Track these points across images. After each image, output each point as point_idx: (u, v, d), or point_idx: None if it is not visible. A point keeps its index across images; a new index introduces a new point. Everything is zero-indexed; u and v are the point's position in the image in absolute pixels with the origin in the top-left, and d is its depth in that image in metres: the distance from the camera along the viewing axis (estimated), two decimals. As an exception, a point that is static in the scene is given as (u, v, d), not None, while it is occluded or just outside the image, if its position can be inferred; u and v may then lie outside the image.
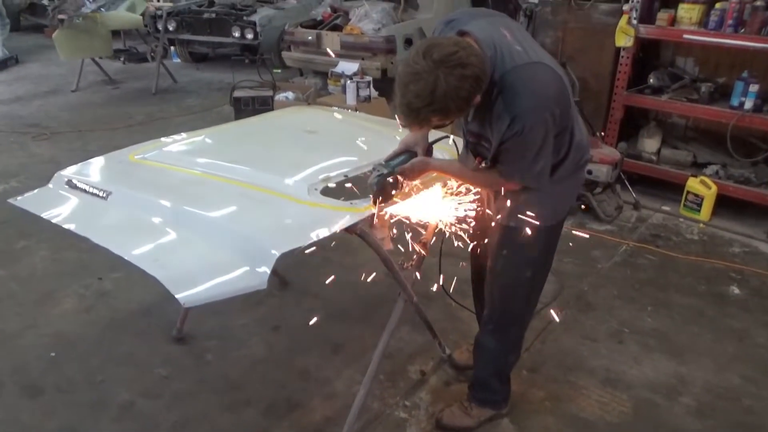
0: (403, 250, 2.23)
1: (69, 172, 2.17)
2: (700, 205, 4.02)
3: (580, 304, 3.14)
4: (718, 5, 3.80)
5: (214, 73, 8.41)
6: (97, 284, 3.25)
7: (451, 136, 2.18)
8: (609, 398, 2.51)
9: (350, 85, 5.18)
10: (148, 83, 7.56)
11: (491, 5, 6.09)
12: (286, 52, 6.93)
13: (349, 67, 5.82)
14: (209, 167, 2.16)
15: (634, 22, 4.05)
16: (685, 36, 3.93)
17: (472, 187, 2.06)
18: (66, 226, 1.90)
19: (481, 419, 2.35)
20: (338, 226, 1.81)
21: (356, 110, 4.27)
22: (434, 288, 2.40)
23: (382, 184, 1.83)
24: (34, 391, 2.51)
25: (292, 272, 3.24)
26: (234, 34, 7.71)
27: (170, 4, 8.49)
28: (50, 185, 2.15)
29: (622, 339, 2.88)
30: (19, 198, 2.10)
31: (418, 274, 2.29)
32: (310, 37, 6.54)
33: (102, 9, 7.35)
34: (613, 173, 4.00)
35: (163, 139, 2.52)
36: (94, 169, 2.24)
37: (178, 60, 9.01)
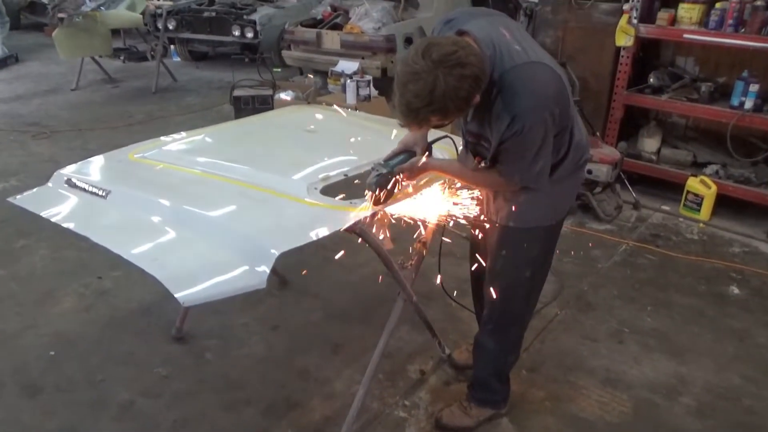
0: (403, 249, 2.23)
1: (68, 171, 2.17)
2: (700, 204, 4.02)
3: (580, 304, 3.14)
4: (718, 5, 3.80)
5: (214, 71, 8.40)
6: (96, 283, 3.25)
7: (451, 136, 2.17)
8: (609, 398, 2.51)
9: (350, 84, 5.18)
10: (147, 82, 7.55)
11: (491, 5, 6.09)
12: (286, 51, 6.92)
13: (349, 66, 5.82)
14: (209, 166, 2.16)
15: (635, 21, 4.05)
16: (686, 35, 3.92)
17: (471, 187, 2.06)
18: (65, 225, 1.89)
19: (481, 419, 2.35)
20: (338, 226, 1.81)
21: (356, 109, 4.26)
22: (437, 283, 2.40)
23: (381, 184, 1.83)
24: (34, 390, 2.51)
25: (292, 272, 3.24)
26: (234, 32, 7.70)
27: (170, 3, 8.48)
28: (50, 184, 2.15)
29: (622, 339, 2.88)
30: (18, 197, 2.10)
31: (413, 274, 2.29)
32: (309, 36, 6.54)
33: (102, 7, 7.36)
34: (613, 173, 4.00)
35: (162, 138, 2.51)
36: (94, 168, 2.24)
37: (178, 59, 9.01)
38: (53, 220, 1.94)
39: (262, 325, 2.94)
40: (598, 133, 4.24)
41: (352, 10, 6.66)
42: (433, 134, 2.00)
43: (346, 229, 1.86)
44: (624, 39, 4.12)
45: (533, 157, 1.74)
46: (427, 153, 1.96)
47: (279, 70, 7.22)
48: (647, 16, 4.07)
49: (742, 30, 3.73)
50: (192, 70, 8.55)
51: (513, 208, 1.94)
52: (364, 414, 2.34)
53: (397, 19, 6.43)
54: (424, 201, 2.11)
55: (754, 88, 3.74)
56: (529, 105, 1.65)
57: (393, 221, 2.11)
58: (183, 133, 2.57)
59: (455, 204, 2.14)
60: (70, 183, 2.09)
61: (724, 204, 4.02)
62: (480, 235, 2.15)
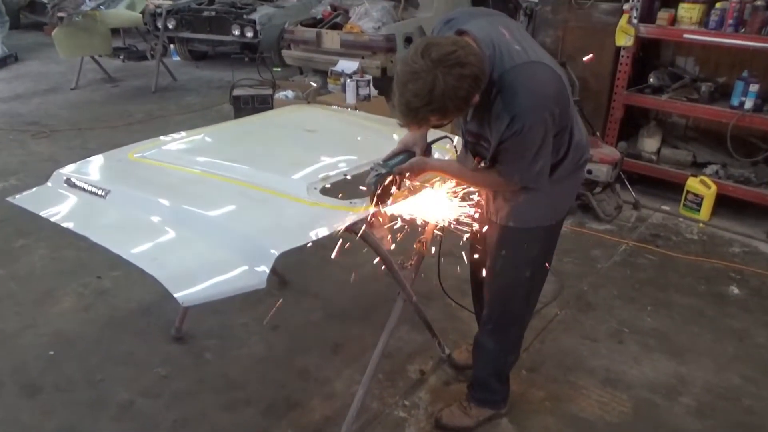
0: (402, 249, 2.23)
1: (68, 170, 2.16)
2: (699, 204, 4.01)
3: (580, 304, 3.14)
4: (718, 5, 3.80)
5: (214, 71, 8.40)
6: (96, 283, 3.25)
7: (450, 136, 2.17)
8: (609, 398, 2.51)
9: (350, 84, 5.18)
10: (147, 81, 7.55)
11: (491, 4, 6.09)
12: (286, 51, 6.92)
13: (348, 65, 5.82)
14: (208, 166, 2.15)
15: (635, 21, 4.05)
16: (686, 35, 3.92)
17: (471, 188, 2.06)
18: (65, 225, 1.89)
19: (480, 419, 2.35)
20: (338, 226, 1.81)
21: (356, 109, 4.26)
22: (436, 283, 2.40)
23: (380, 184, 1.83)
24: (34, 390, 2.51)
25: (292, 272, 3.24)
26: (234, 32, 7.70)
27: (170, 2, 8.47)
28: (49, 184, 2.15)
29: (621, 339, 2.88)
30: (17, 196, 2.09)
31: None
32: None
33: (101, 7, 7.35)
34: (612, 173, 4.00)
35: (162, 137, 2.51)
36: (93, 167, 2.24)
37: (178, 58, 9.00)
38: (52, 219, 1.93)
39: (262, 325, 2.93)
40: (598, 133, 4.24)
41: (352, 9, 6.66)
42: (432, 134, 2.00)
43: (346, 229, 1.86)
44: (624, 39, 4.12)
45: (533, 157, 1.74)
46: (426, 153, 1.95)
47: (279, 69, 7.22)
48: (647, 16, 4.07)
49: (742, 30, 3.73)
50: (192, 70, 8.55)
51: (513, 208, 1.94)
52: (364, 414, 2.34)
53: (397, 19, 6.43)
54: (424, 201, 2.10)
55: (754, 88, 3.74)
56: (529, 105, 1.65)
57: (395, 224, 2.10)
58: (183, 133, 2.57)
59: (456, 202, 2.13)
60: (69, 182, 2.09)
61: (724, 204, 4.02)
62: (480, 235, 2.15)
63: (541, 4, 4.58)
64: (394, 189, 1.88)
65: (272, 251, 1.64)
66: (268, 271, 1.62)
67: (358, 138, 2.55)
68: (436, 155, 2.04)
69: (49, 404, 2.44)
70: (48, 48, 8.59)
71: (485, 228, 2.10)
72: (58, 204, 2.01)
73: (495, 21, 1.79)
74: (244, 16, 7.71)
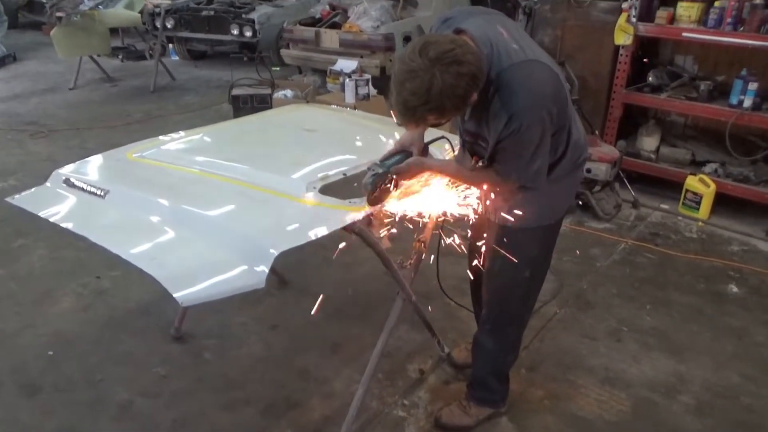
0: (402, 248, 2.23)
1: (66, 170, 2.16)
2: (698, 203, 4.02)
3: (579, 303, 3.14)
4: (717, 3, 3.80)
5: (213, 70, 8.39)
6: (95, 283, 3.25)
7: (448, 136, 2.17)
8: (608, 397, 2.51)
9: (349, 83, 5.18)
10: (146, 81, 7.54)
11: (489, 3, 6.08)
12: (285, 50, 6.92)
13: (347, 65, 5.81)
14: (207, 166, 2.15)
15: (633, 20, 4.05)
16: (684, 34, 3.92)
17: (470, 187, 2.06)
18: (64, 225, 1.89)
19: (480, 418, 2.35)
20: (337, 225, 1.81)
21: (355, 108, 4.25)
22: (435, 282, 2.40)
23: (377, 185, 1.83)
24: (33, 390, 2.51)
25: (291, 271, 3.24)
26: (233, 31, 7.69)
27: (169, 2, 8.46)
28: (48, 184, 2.15)
29: (620, 337, 2.88)
30: (16, 196, 2.09)
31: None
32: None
33: (100, 6, 7.34)
34: (612, 171, 4.00)
35: (161, 137, 2.51)
36: (92, 167, 2.23)
37: (177, 58, 8.99)
38: (51, 219, 1.93)
39: (261, 325, 2.94)
40: (597, 132, 4.24)
41: (350, 8, 6.65)
42: (430, 134, 2.00)
43: (345, 229, 1.86)
44: (623, 37, 4.12)
45: (531, 156, 1.74)
46: (423, 153, 1.95)
47: (278, 68, 7.22)
48: (646, 15, 4.07)
49: (741, 28, 3.73)
50: (190, 69, 8.54)
51: (511, 208, 1.93)
52: (364, 413, 2.34)
53: (395, 18, 6.43)
54: (423, 200, 2.10)
55: (752, 86, 3.74)
56: (527, 104, 1.65)
57: (394, 223, 2.10)
58: (181, 132, 2.56)
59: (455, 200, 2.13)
60: (68, 182, 2.09)
61: (723, 202, 4.02)
62: (479, 235, 2.15)
63: (539, 3, 4.58)
64: (391, 189, 1.88)
65: (271, 251, 1.64)
66: (267, 270, 1.62)
67: (357, 137, 2.55)
68: (434, 155, 2.03)
69: (49, 404, 2.44)
70: (46, 47, 8.58)
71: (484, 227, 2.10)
72: (56, 204, 2.01)
73: (493, 20, 1.79)
74: (243, 16, 7.71)
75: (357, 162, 2.15)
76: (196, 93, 7.33)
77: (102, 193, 1.99)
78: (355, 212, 1.87)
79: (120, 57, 8.89)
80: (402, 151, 1.92)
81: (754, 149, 4.09)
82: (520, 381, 2.55)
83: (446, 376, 2.62)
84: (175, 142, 2.46)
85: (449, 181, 2.04)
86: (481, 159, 1.92)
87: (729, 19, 3.73)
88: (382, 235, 2.08)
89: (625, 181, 4.25)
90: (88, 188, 2.03)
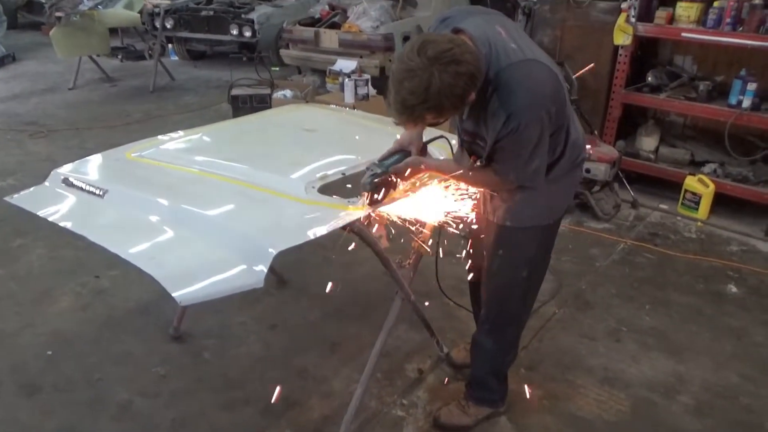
0: (401, 248, 2.23)
1: (65, 170, 2.16)
2: (698, 203, 4.02)
3: (578, 303, 3.14)
4: (716, 3, 3.80)
5: (212, 70, 8.39)
6: (94, 282, 3.24)
7: (447, 135, 2.17)
8: (607, 397, 2.51)
9: (348, 83, 5.18)
10: (145, 81, 7.54)
11: (489, 4, 6.08)
12: (284, 50, 6.92)
13: (347, 65, 5.81)
14: (206, 165, 2.15)
15: (633, 20, 4.05)
16: (684, 34, 3.92)
17: (468, 187, 2.06)
18: (62, 225, 1.89)
19: (479, 418, 2.35)
20: (335, 225, 1.81)
21: (354, 108, 4.26)
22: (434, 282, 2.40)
23: (376, 184, 1.83)
24: (32, 389, 2.51)
25: (291, 271, 3.24)
26: (232, 31, 7.69)
27: (168, 2, 8.46)
28: (46, 183, 2.15)
29: (620, 337, 2.88)
30: (15, 196, 2.09)
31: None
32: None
33: (99, 6, 7.34)
34: (611, 172, 4.00)
35: (160, 136, 2.51)
36: (91, 167, 2.23)
37: (176, 58, 8.99)
38: (50, 219, 1.93)
39: (261, 324, 2.93)
40: (596, 132, 4.25)
41: (350, 8, 6.66)
42: (428, 134, 2.00)
43: (344, 228, 1.86)
44: (622, 38, 4.12)
45: (529, 156, 1.74)
46: (422, 152, 1.95)
47: (277, 69, 7.22)
48: (645, 15, 4.07)
49: (740, 29, 3.73)
50: (190, 69, 8.54)
51: (509, 208, 1.93)
52: (362, 413, 2.34)
53: (395, 18, 6.43)
54: (421, 202, 2.10)
55: (751, 86, 3.74)
56: (525, 103, 1.65)
57: (391, 222, 2.10)
58: (180, 132, 2.57)
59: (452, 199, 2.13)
60: (67, 182, 2.09)
61: (722, 203, 4.02)
62: (478, 235, 2.15)
63: (539, 4, 4.58)
64: (390, 188, 1.88)
65: (270, 250, 1.64)
66: (266, 270, 1.62)
67: (357, 137, 2.55)
68: (432, 154, 2.04)
69: (48, 404, 2.44)
70: (46, 48, 8.58)
71: (483, 227, 2.10)
72: (55, 203, 2.01)
73: (491, 19, 1.79)
74: (243, 16, 7.71)
75: (356, 162, 2.15)
76: (196, 93, 7.32)
77: (101, 193, 1.99)
78: (354, 212, 1.87)
79: (119, 57, 8.89)
80: (401, 151, 1.92)
81: (753, 149, 4.10)
82: (519, 381, 2.54)
83: (445, 375, 2.62)
84: (174, 141, 2.46)
85: (445, 186, 2.04)
86: (479, 158, 1.92)
87: (728, 19, 3.74)
88: (375, 231, 2.07)
89: (624, 182, 4.25)
90: (87, 188, 2.03)
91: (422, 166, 1.91)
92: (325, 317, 2.99)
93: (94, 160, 2.28)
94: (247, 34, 7.61)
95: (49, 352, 2.71)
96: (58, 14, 6.92)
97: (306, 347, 2.77)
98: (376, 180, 1.83)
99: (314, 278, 3.26)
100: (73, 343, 2.79)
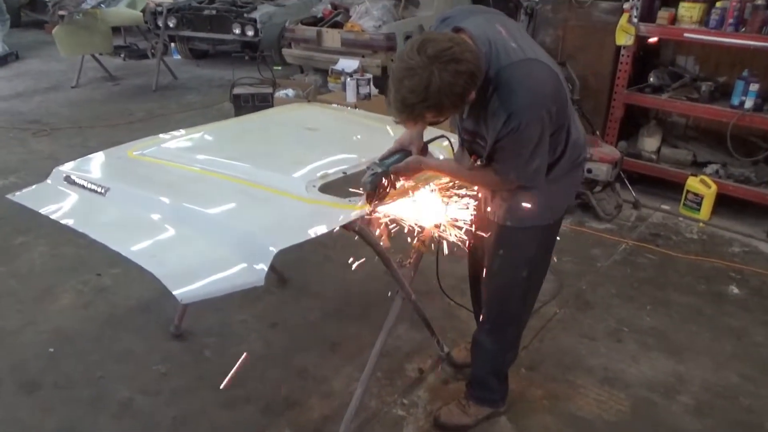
0: (402, 247, 2.23)
1: (67, 167, 2.17)
2: (699, 204, 4.01)
3: (579, 303, 3.14)
4: (719, 4, 3.79)
5: (215, 69, 8.40)
6: (95, 280, 3.25)
7: (447, 135, 2.17)
8: (607, 397, 2.51)
9: (350, 83, 5.18)
10: (148, 80, 7.55)
11: (491, 3, 6.08)
12: (287, 49, 6.92)
13: (349, 64, 5.82)
14: (208, 164, 2.16)
15: (635, 20, 4.04)
16: (686, 35, 3.92)
17: (468, 187, 2.06)
18: (64, 222, 1.90)
19: (479, 417, 2.35)
20: (336, 223, 1.81)
21: (356, 108, 4.26)
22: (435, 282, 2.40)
23: (376, 184, 1.83)
24: (33, 387, 2.51)
25: (291, 269, 3.24)
26: (234, 31, 7.70)
27: (171, 1, 8.47)
28: (49, 181, 2.15)
29: (620, 338, 2.88)
30: (17, 193, 2.10)
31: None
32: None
33: (102, 5, 7.36)
34: (612, 172, 4.00)
35: (161, 135, 2.52)
36: (93, 165, 2.24)
37: (179, 56, 9.00)
38: (52, 217, 1.94)
39: (261, 323, 2.94)
40: (597, 132, 4.24)
41: (352, 8, 6.66)
42: (429, 133, 2.00)
43: (344, 227, 1.87)
44: (624, 38, 4.12)
45: (529, 155, 1.74)
46: (422, 152, 1.95)
47: (279, 68, 7.23)
48: (647, 15, 4.06)
49: (743, 29, 3.72)
50: (192, 68, 8.55)
51: (510, 208, 1.93)
52: (363, 412, 2.34)
53: (397, 18, 6.43)
54: (421, 204, 2.11)
55: (754, 87, 3.74)
56: (526, 102, 1.65)
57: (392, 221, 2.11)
58: (182, 131, 2.57)
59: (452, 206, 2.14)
60: (69, 180, 2.10)
61: (724, 203, 4.02)
62: (478, 235, 2.15)
63: (541, 3, 4.57)
64: (390, 187, 1.88)
65: (271, 248, 1.64)
66: (266, 268, 1.62)
67: (358, 136, 2.56)
68: (433, 154, 2.04)
69: (49, 402, 2.44)
70: (49, 46, 8.59)
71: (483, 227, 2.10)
72: (57, 201, 2.02)
73: (492, 19, 1.79)
74: (245, 15, 7.71)
75: (357, 161, 2.16)
76: (198, 92, 7.33)
77: (102, 191, 1.99)
78: (355, 211, 1.87)
79: (122, 56, 8.89)
80: (401, 150, 1.92)
81: (755, 150, 4.09)
82: (520, 381, 2.55)
83: (445, 375, 2.62)
84: (176, 140, 2.47)
85: (443, 190, 2.05)
86: (479, 158, 1.92)
87: (731, 20, 3.73)
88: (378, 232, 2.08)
89: (626, 182, 4.24)
90: (89, 185, 2.03)
91: (422, 166, 1.91)
92: (325, 316, 2.99)
93: (97, 158, 2.29)
94: (250, 33, 7.62)
95: (50, 350, 2.72)
96: (61, 13, 6.93)
97: (306, 346, 2.77)
98: (376, 179, 1.83)
99: (315, 277, 3.26)
100: (74, 341, 2.80)
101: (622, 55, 4.21)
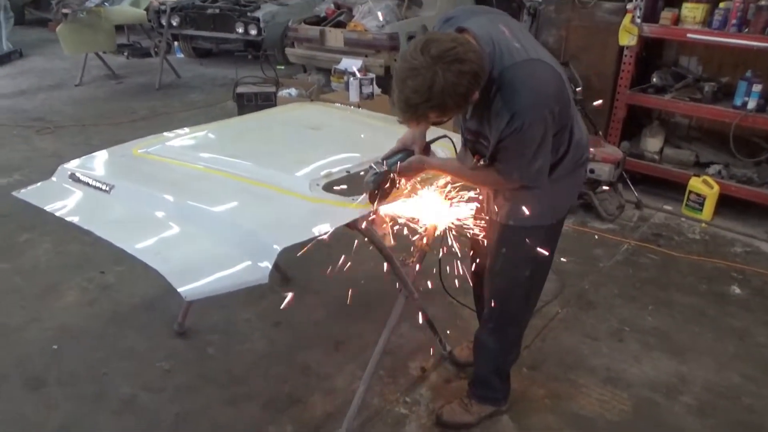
0: (405, 246, 2.24)
1: (72, 165, 2.18)
2: (702, 204, 4.01)
3: (581, 303, 3.14)
4: (722, 4, 3.79)
5: (218, 68, 8.41)
6: (100, 278, 3.26)
7: (450, 134, 2.18)
8: (609, 396, 2.51)
9: (353, 82, 5.18)
10: (151, 78, 7.57)
11: (494, 3, 6.08)
12: (290, 49, 6.94)
13: (352, 63, 5.82)
14: (212, 162, 2.17)
15: (638, 20, 4.05)
16: (689, 35, 3.92)
17: (470, 187, 2.07)
18: (69, 220, 1.91)
19: (481, 416, 2.35)
20: (340, 222, 1.82)
21: (359, 107, 4.27)
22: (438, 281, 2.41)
23: (379, 183, 1.84)
24: (37, 383, 2.53)
25: (294, 268, 3.25)
26: (237, 29, 7.71)
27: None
28: (53, 178, 2.17)
29: (622, 337, 2.88)
30: (22, 191, 2.11)
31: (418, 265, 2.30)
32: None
33: (106, 3, 7.36)
34: (615, 172, 4.00)
35: (166, 133, 2.53)
36: (98, 162, 2.25)
37: (182, 55, 9.02)
38: (57, 214, 1.95)
39: (265, 321, 2.95)
40: (600, 133, 4.24)
41: (355, 7, 6.66)
42: (432, 133, 2.01)
43: (348, 226, 1.87)
44: (627, 38, 4.12)
45: (532, 155, 1.74)
46: (425, 151, 1.96)
47: (282, 67, 7.23)
48: (651, 16, 4.07)
49: (746, 30, 3.72)
50: (195, 67, 8.56)
51: (512, 207, 1.94)
52: (365, 410, 2.35)
53: (400, 18, 6.44)
54: (424, 204, 2.11)
55: (757, 88, 3.74)
56: (529, 102, 1.65)
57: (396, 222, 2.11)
58: (186, 129, 2.58)
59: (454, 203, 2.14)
60: (73, 177, 2.11)
61: (727, 204, 4.02)
62: (481, 234, 2.16)
63: (544, 4, 4.58)
64: (393, 187, 1.89)
65: (275, 247, 1.65)
66: (270, 266, 1.63)
67: (361, 136, 2.56)
68: (436, 153, 2.04)
69: (53, 398, 2.45)
70: (52, 44, 8.62)
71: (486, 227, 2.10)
72: (62, 199, 2.03)
73: (495, 19, 1.79)
74: (248, 14, 7.72)
75: (360, 160, 2.16)
76: (201, 90, 7.35)
77: (107, 188, 2.00)
78: (358, 210, 1.88)
79: (125, 54, 8.88)
80: (404, 150, 1.93)
81: (758, 151, 4.09)
82: (522, 380, 2.55)
83: (448, 374, 2.63)
84: (179, 138, 2.48)
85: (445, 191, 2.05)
86: (482, 158, 1.93)
87: (734, 21, 3.73)
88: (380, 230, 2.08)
89: (629, 182, 4.24)
90: (94, 183, 2.04)
91: (425, 166, 1.91)
92: (328, 315, 3.00)
93: (101, 156, 2.30)
94: (253, 32, 7.63)
95: (55, 347, 2.74)
96: (64, 11, 6.94)
97: (309, 344, 2.78)
98: (379, 178, 1.83)
99: (318, 276, 3.26)
100: (79, 338, 2.81)
101: (625, 56, 4.21)
